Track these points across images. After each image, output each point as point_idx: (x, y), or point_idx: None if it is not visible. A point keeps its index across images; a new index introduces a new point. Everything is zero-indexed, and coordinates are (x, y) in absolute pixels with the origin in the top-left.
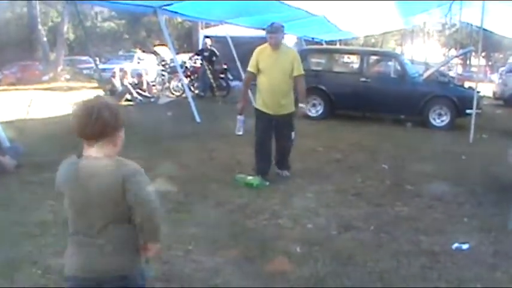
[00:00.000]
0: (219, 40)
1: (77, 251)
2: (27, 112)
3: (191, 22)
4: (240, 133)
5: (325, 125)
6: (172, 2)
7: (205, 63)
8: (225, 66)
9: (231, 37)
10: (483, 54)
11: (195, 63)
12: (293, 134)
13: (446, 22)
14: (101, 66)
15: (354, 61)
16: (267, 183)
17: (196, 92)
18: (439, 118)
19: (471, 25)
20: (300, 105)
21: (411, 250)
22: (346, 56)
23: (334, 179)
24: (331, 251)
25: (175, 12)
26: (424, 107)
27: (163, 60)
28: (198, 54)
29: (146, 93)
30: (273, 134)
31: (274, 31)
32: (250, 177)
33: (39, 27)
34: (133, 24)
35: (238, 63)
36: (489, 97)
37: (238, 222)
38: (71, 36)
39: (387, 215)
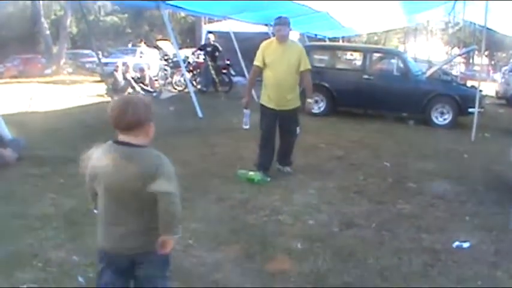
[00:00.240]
0: (222, 35)
1: (107, 230)
2: (29, 105)
3: (194, 17)
4: (247, 127)
5: (328, 122)
6: None
7: (208, 58)
8: (228, 62)
9: (234, 33)
10: (486, 53)
11: (197, 58)
12: (298, 129)
13: (450, 20)
14: (104, 60)
15: (357, 58)
16: (269, 179)
17: (199, 87)
18: (442, 116)
19: (474, 24)
20: (308, 100)
21: (412, 248)
22: (349, 53)
23: (336, 176)
24: (333, 247)
25: (179, 7)
26: (427, 105)
27: (166, 55)
28: (200, 50)
29: (148, 88)
30: (277, 129)
31: (282, 23)
32: (251, 173)
33: (42, 20)
34: (136, 18)
35: (241, 59)
36: (492, 96)
37: (239, 217)
38: (74, 29)
39: (389, 212)
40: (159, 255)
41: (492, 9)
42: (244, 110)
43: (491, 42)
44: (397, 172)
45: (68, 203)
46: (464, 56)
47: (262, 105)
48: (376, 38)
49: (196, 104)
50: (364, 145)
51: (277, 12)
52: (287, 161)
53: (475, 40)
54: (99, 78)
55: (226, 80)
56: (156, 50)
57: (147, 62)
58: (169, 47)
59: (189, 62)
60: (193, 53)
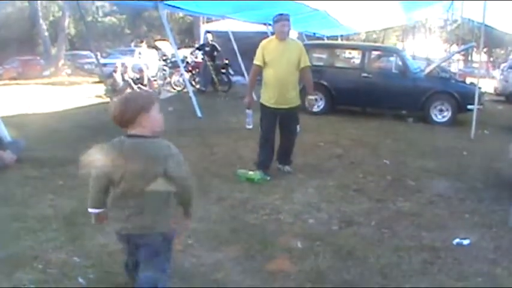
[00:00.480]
0: (221, 35)
1: (121, 212)
2: (28, 107)
3: (192, 17)
4: (250, 127)
5: (327, 120)
6: None
7: (206, 58)
8: (227, 61)
9: (233, 32)
10: (485, 50)
11: (196, 58)
12: (298, 127)
13: (448, 18)
14: (102, 61)
15: (356, 56)
16: (268, 178)
17: (198, 87)
18: (441, 114)
19: (473, 21)
20: (310, 97)
21: (412, 245)
22: (347, 52)
23: (336, 174)
24: (332, 246)
25: (177, 7)
26: (426, 102)
27: (165, 55)
28: (199, 49)
29: (147, 88)
30: (277, 128)
31: (285, 19)
32: (251, 172)
33: (41, 21)
34: (134, 19)
35: (240, 58)
36: (490, 93)
37: (239, 217)
38: (72, 31)
39: (388, 210)
40: (168, 236)
41: (490, 7)
42: (247, 110)
43: (489, 39)
44: (397, 170)
45: (68, 205)
46: (462, 53)
47: (262, 104)
48: (374, 36)
49: (195, 103)
50: (363, 143)
51: (275, 11)
52: (287, 160)
53: (474, 37)
54: (97, 79)
55: (225, 79)
56: (154, 50)
57: (146, 62)
58: (167, 47)
59: (187, 62)
60: (191, 53)
